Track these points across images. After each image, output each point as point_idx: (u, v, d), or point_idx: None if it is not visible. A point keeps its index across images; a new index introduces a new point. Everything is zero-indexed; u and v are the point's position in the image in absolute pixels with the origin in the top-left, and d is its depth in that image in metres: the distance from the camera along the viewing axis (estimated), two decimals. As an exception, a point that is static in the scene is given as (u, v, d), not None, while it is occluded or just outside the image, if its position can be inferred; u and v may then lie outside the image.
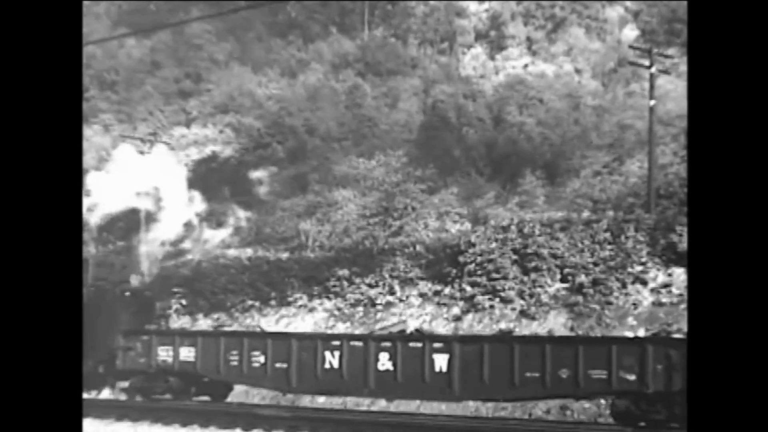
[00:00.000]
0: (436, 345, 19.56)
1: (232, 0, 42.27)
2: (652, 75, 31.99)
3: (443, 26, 58.79)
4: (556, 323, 26.79)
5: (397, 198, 36.41)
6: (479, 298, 28.44)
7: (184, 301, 34.14)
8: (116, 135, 44.90)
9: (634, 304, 26.33)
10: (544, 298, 27.69)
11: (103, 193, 28.69)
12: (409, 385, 19.76)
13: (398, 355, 19.77)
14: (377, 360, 20.01)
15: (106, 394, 25.68)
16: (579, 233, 28.84)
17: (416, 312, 29.67)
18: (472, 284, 28.88)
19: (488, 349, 18.91)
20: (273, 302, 32.70)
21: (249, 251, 36.47)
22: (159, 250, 35.69)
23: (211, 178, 42.53)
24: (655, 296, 26.31)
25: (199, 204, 31.38)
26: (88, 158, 36.55)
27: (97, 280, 25.14)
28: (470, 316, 28.43)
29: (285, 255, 35.18)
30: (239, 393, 26.36)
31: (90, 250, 35.37)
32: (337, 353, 20.58)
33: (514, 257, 28.88)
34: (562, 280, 28.03)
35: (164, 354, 23.10)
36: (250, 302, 33.08)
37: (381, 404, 24.96)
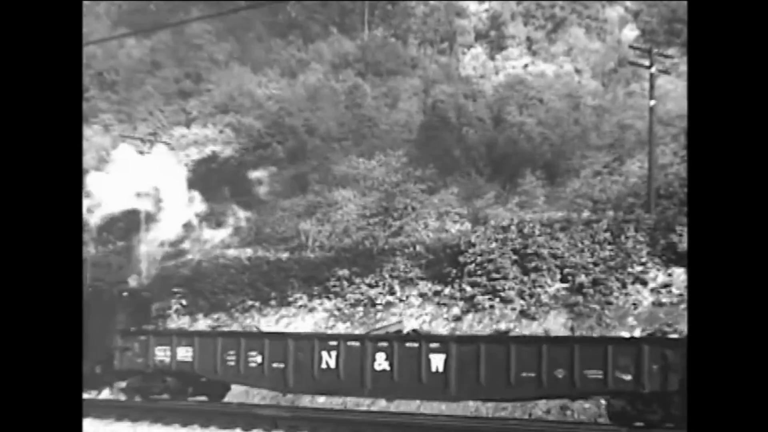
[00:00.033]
0: (433, 345, 19.60)
1: (232, 0, 42.27)
2: (652, 75, 31.99)
3: (443, 26, 58.78)
4: (556, 323, 26.79)
5: (397, 198, 36.41)
6: (479, 298, 28.44)
7: (184, 301, 34.15)
8: (116, 135, 44.90)
9: (634, 304, 26.33)
10: (544, 298, 27.69)
11: (103, 194, 28.71)
12: (406, 385, 19.79)
13: (395, 355, 19.81)
14: (374, 360, 20.04)
15: (105, 394, 25.71)
16: (579, 233, 28.85)
17: (416, 312, 29.67)
18: (472, 284, 28.88)
19: (484, 349, 18.96)
20: (273, 302, 32.71)
21: (249, 251, 36.48)
22: (158, 250, 35.73)
23: (211, 178, 42.53)
24: (655, 296, 26.31)
25: (199, 204, 31.41)
26: (88, 158, 36.55)
27: (94, 280, 25.18)
28: (470, 316, 28.43)
29: (285, 255, 35.19)
30: (239, 393, 26.36)
31: (90, 250, 35.40)
32: (334, 353, 20.61)
33: (514, 257, 28.88)
34: (562, 280, 28.03)
35: (161, 354, 23.13)
36: (250, 302, 33.09)
37: (381, 404, 24.95)
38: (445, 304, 29.31)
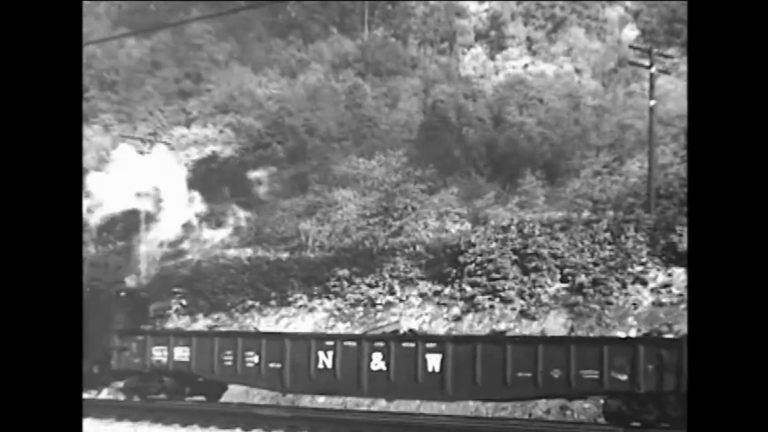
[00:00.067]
0: (429, 345, 19.65)
1: (232, 0, 42.26)
2: (652, 75, 31.99)
3: (443, 26, 58.76)
4: (556, 323, 26.79)
5: (397, 198, 36.41)
6: (479, 298, 28.44)
7: (184, 302, 34.15)
8: (116, 135, 44.89)
9: (634, 304, 26.33)
10: (544, 298, 27.69)
11: (103, 194, 28.71)
12: (402, 385, 19.85)
13: (391, 355, 19.85)
14: (371, 360, 20.08)
15: (105, 394, 25.72)
16: (579, 233, 28.85)
17: (416, 312, 29.67)
18: (472, 284, 28.88)
19: (481, 349, 19.00)
20: (273, 302, 32.71)
21: (249, 251, 36.48)
22: (158, 250, 35.74)
23: (211, 178, 42.52)
24: (655, 296, 26.31)
25: (199, 204, 31.40)
26: (88, 158, 36.54)
27: (91, 280, 25.19)
28: (470, 316, 28.43)
29: (285, 255, 35.18)
30: (239, 393, 26.37)
31: (90, 250, 35.41)
32: (330, 353, 20.65)
33: (514, 257, 28.88)
34: (562, 280, 28.03)
35: (159, 354, 23.17)
36: (250, 302, 33.09)
37: (381, 404, 24.96)
38: (445, 304, 29.31)
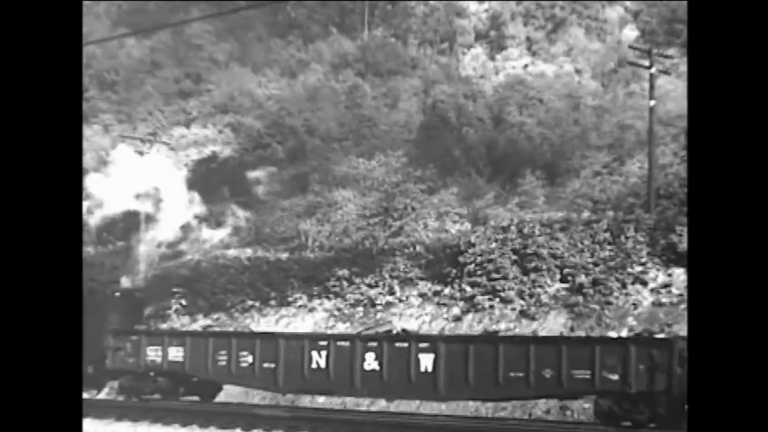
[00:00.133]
0: (422, 345, 19.73)
1: (232, 0, 42.25)
2: (652, 75, 31.97)
3: (443, 26, 58.74)
4: (556, 323, 26.78)
5: (397, 198, 36.40)
6: (479, 298, 28.43)
7: (183, 301, 34.15)
8: (116, 135, 44.89)
9: (634, 304, 26.32)
10: (544, 298, 27.68)
11: (103, 195, 28.74)
12: (395, 384, 19.92)
13: (384, 355, 19.91)
14: (364, 360, 20.14)
15: (105, 394, 25.74)
16: (579, 233, 28.84)
17: (416, 312, 29.66)
18: (472, 284, 28.87)
19: (473, 349, 19.05)
20: (273, 302, 32.70)
21: (249, 251, 36.48)
22: (157, 250, 35.75)
23: (211, 179, 42.53)
24: (655, 296, 26.30)
25: (199, 204, 31.42)
26: (88, 158, 36.53)
27: (87, 280, 25.21)
28: (470, 316, 28.42)
29: (285, 255, 35.18)
30: (239, 393, 26.38)
31: (89, 251, 35.41)
32: (324, 353, 20.71)
33: (514, 257, 28.87)
34: (562, 281, 28.02)
35: (153, 354, 23.23)
36: (249, 302, 33.09)
37: (381, 404, 24.96)
38: (444, 305, 29.30)
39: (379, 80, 51.68)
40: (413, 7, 59.81)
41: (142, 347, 23.41)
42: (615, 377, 17.55)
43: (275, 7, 56.23)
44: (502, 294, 28.20)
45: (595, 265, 27.63)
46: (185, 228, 32.66)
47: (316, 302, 32.06)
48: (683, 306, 24.53)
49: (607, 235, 28.38)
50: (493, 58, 55.78)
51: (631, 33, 53.06)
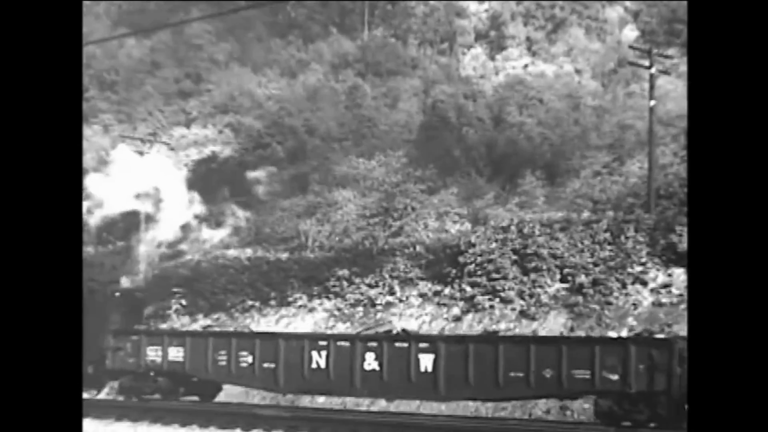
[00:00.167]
0: (422, 345, 19.73)
1: (232, 0, 42.26)
2: (652, 75, 31.97)
3: (443, 26, 58.75)
4: (556, 324, 26.78)
5: (397, 198, 36.40)
6: (479, 298, 28.43)
7: (184, 302, 34.15)
8: (116, 135, 44.90)
9: (634, 304, 26.32)
10: (544, 298, 27.67)
11: (103, 195, 28.74)
12: (395, 384, 19.93)
13: (384, 355, 19.92)
14: (364, 360, 20.14)
15: (104, 394, 25.73)
16: (579, 233, 28.83)
17: (416, 312, 29.66)
18: (472, 284, 28.87)
19: (473, 349, 19.05)
20: (273, 302, 32.70)
21: (249, 251, 36.49)
22: (157, 250, 35.74)
23: (211, 179, 42.53)
24: (655, 296, 26.30)
25: (199, 204, 31.42)
26: (88, 158, 36.54)
27: (87, 280, 25.22)
28: (470, 316, 28.42)
29: (285, 255, 35.19)
30: (239, 393, 26.38)
31: (89, 251, 35.40)
32: (324, 353, 20.71)
33: (514, 257, 28.87)
34: (562, 281, 28.02)
35: (153, 354, 23.23)
36: (250, 302, 33.08)
37: (381, 404, 24.96)
38: (445, 305, 29.30)
39: (379, 80, 51.69)
40: (413, 7, 59.82)
41: (142, 347, 23.42)
42: (615, 377, 17.57)
43: (275, 7, 56.24)
44: (502, 294, 28.20)
45: (595, 265, 27.63)
46: (185, 228, 32.66)
47: (316, 302, 32.06)
48: (683, 306, 24.53)
49: (607, 235, 28.38)
50: (493, 58, 55.79)
51: (631, 33, 53.08)
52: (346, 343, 20.74)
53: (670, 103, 38.23)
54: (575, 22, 56.64)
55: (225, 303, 33.44)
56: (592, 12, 57.11)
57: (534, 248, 28.61)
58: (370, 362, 20.12)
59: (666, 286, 26.38)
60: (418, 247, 31.84)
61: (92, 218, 29.62)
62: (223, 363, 22.17)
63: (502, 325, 26.94)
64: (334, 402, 24.88)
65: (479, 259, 29.15)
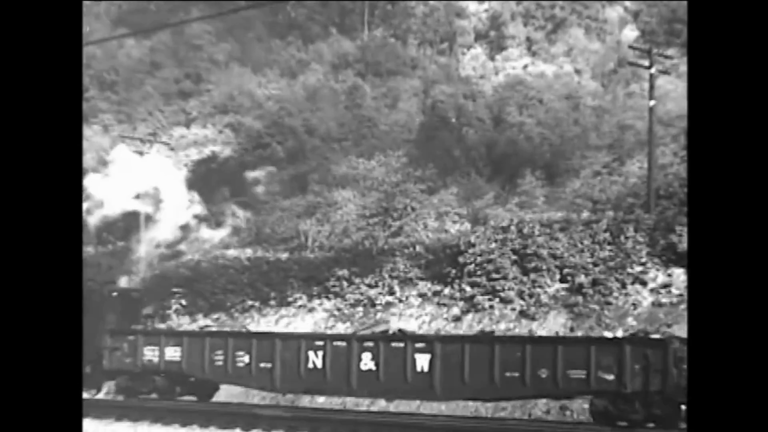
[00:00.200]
0: (418, 345, 19.77)
1: (232, 0, 42.26)
2: (651, 75, 31.98)
3: (443, 26, 58.74)
4: (556, 324, 26.79)
5: (397, 198, 36.41)
6: (479, 298, 28.44)
7: (183, 302, 34.16)
8: (116, 135, 44.90)
9: (634, 304, 26.33)
10: (544, 298, 27.68)
11: (103, 195, 28.74)
12: (392, 384, 19.96)
13: (381, 355, 19.95)
14: (360, 360, 20.17)
15: (103, 394, 25.72)
16: (578, 233, 28.84)
17: (416, 312, 29.66)
18: (472, 284, 28.88)
19: (469, 349, 19.07)
20: (273, 302, 32.71)
21: (249, 251, 36.50)
22: (156, 251, 35.73)
23: (211, 179, 42.55)
24: (654, 296, 26.31)
25: (199, 204, 31.43)
26: (88, 159, 36.54)
27: (84, 280, 25.22)
28: (470, 316, 28.42)
29: (284, 255, 35.20)
30: (239, 393, 26.39)
31: (89, 250, 35.40)
32: (320, 353, 20.74)
33: (514, 257, 28.88)
34: (562, 281, 28.02)
35: (150, 354, 23.24)
36: (249, 302, 33.09)
37: (381, 404, 24.97)
38: (444, 305, 29.31)
39: (379, 80, 51.69)
40: (413, 7, 59.82)
41: (139, 347, 23.43)
42: (610, 377, 17.61)
43: (275, 7, 56.23)
44: (502, 294, 28.21)
45: (595, 265, 27.63)
46: (185, 228, 32.67)
47: (315, 302, 32.07)
48: (683, 306, 24.54)
49: (607, 235, 28.40)
50: (492, 59, 55.77)
51: (631, 33, 53.04)
52: (343, 343, 20.79)
53: (670, 103, 38.24)
54: (575, 22, 56.63)
55: (225, 303, 33.45)
56: (592, 12, 57.09)
57: (534, 248, 28.62)
58: (367, 362, 20.15)
59: (666, 286, 26.40)
60: (417, 247, 31.85)
61: (92, 218, 29.62)
62: (220, 363, 22.20)
63: (502, 326, 26.96)
64: (334, 402, 24.89)
65: (479, 259, 29.16)
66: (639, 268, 27.15)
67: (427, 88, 49.44)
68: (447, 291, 29.60)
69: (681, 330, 22.34)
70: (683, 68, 36.51)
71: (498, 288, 28.37)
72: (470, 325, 27.92)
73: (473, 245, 29.66)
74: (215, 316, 33.32)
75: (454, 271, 29.72)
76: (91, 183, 28.85)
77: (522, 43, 56.83)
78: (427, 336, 23.98)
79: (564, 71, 51.28)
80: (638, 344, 17.97)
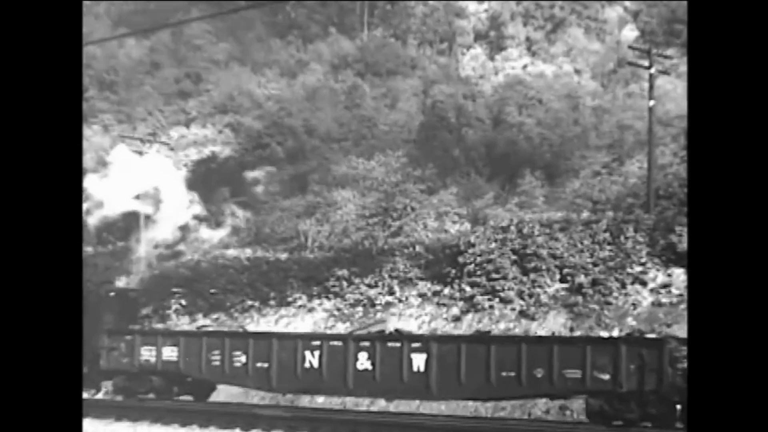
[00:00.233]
0: (414, 345, 19.76)
1: (232, 0, 42.28)
2: (651, 75, 31.98)
3: (443, 26, 58.79)
4: (556, 324, 26.78)
5: (397, 198, 36.42)
6: (479, 298, 28.43)
7: (183, 302, 34.15)
8: (115, 135, 44.93)
9: (634, 304, 26.32)
10: (544, 298, 27.67)
11: (102, 195, 28.75)
12: (388, 384, 19.97)
13: (377, 355, 19.95)
14: (356, 360, 20.18)
15: (103, 394, 25.73)
16: (578, 233, 28.84)
17: (416, 312, 29.65)
18: (472, 284, 28.86)
19: (465, 349, 19.09)
20: (272, 302, 32.69)
21: (248, 251, 36.50)
22: (155, 251, 35.74)
23: (211, 179, 42.58)
24: (654, 296, 26.31)
25: (198, 204, 31.44)
26: (87, 159, 36.55)
27: (84, 280, 25.22)
28: (470, 316, 28.41)
29: (284, 255, 35.19)
30: (239, 393, 26.38)
31: (89, 251, 35.40)
32: (317, 353, 20.74)
33: (514, 257, 28.87)
34: (562, 281, 28.02)
35: (147, 354, 23.24)
36: (249, 302, 33.07)
37: (381, 404, 24.96)
38: (444, 305, 29.30)
39: (378, 80, 51.73)
40: (413, 7, 59.86)
41: (136, 347, 23.44)
42: (606, 377, 17.63)
43: (275, 7, 56.27)
44: (502, 294, 28.20)
45: (595, 265, 27.63)
46: (185, 228, 32.69)
47: (315, 302, 32.05)
48: (683, 306, 24.54)
49: (607, 235, 28.38)
50: (492, 59, 55.82)
51: (630, 33, 53.10)
52: (339, 343, 20.81)
53: (670, 103, 38.28)
54: (575, 22, 56.67)
55: (224, 303, 33.43)
56: (591, 12, 57.14)
57: (533, 248, 28.61)
58: (363, 362, 20.17)
59: (666, 286, 26.39)
60: (417, 247, 31.84)
61: (91, 218, 29.63)
62: (217, 363, 22.21)
63: (502, 325, 26.95)
64: (334, 402, 24.88)
65: (479, 259, 29.15)
66: (639, 268, 27.15)
67: (426, 88, 49.48)
68: (447, 291, 29.59)
69: (681, 330, 22.36)
70: (683, 68, 36.55)
71: (498, 288, 28.36)
72: (470, 325, 27.91)
73: (473, 245, 29.65)
74: (215, 316, 33.31)
75: (453, 271, 29.71)
76: (91, 183, 28.86)
77: (521, 43, 56.87)
78: (423, 336, 24.00)
79: (563, 71, 51.33)
80: (634, 344, 17.99)
